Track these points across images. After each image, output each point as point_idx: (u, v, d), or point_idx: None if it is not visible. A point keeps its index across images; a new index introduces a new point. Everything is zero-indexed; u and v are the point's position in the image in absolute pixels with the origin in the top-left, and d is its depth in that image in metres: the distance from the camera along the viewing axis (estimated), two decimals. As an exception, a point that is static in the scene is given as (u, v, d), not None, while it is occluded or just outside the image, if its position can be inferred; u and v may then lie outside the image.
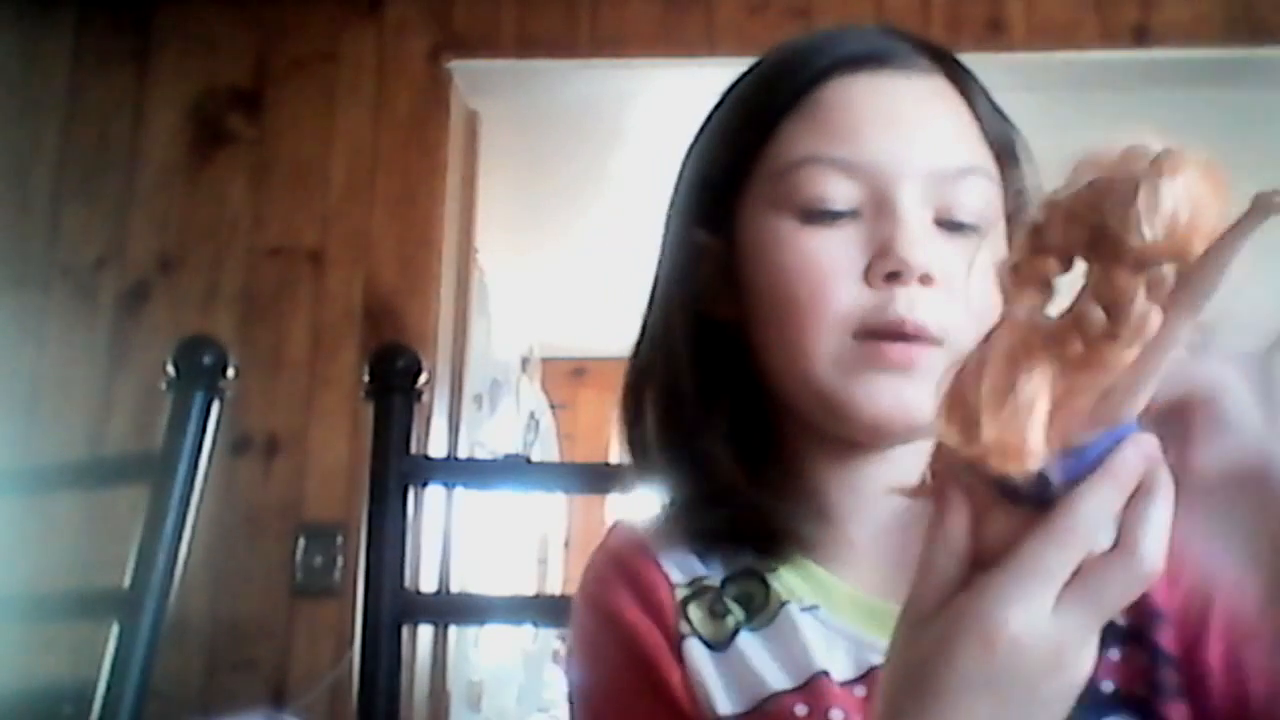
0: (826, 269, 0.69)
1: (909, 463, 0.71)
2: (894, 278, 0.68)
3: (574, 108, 2.90)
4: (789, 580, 0.72)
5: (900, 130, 0.71)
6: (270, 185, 2.45)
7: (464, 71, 2.51)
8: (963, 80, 0.75)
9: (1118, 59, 2.44)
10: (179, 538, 1.14)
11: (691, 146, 0.80)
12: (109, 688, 1.09)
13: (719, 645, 0.70)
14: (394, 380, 1.13)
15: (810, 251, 0.70)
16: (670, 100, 2.83)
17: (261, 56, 2.51)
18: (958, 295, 0.68)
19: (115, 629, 1.12)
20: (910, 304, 0.68)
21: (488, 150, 2.67)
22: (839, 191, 0.70)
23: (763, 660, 0.69)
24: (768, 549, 0.73)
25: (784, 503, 0.73)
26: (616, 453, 0.82)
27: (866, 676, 0.68)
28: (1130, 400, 0.44)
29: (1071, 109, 1.83)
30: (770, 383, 0.74)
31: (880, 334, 0.68)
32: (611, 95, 2.78)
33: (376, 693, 1.05)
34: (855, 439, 0.72)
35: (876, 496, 0.73)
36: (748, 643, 0.70)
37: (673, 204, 0.80)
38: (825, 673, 0.68)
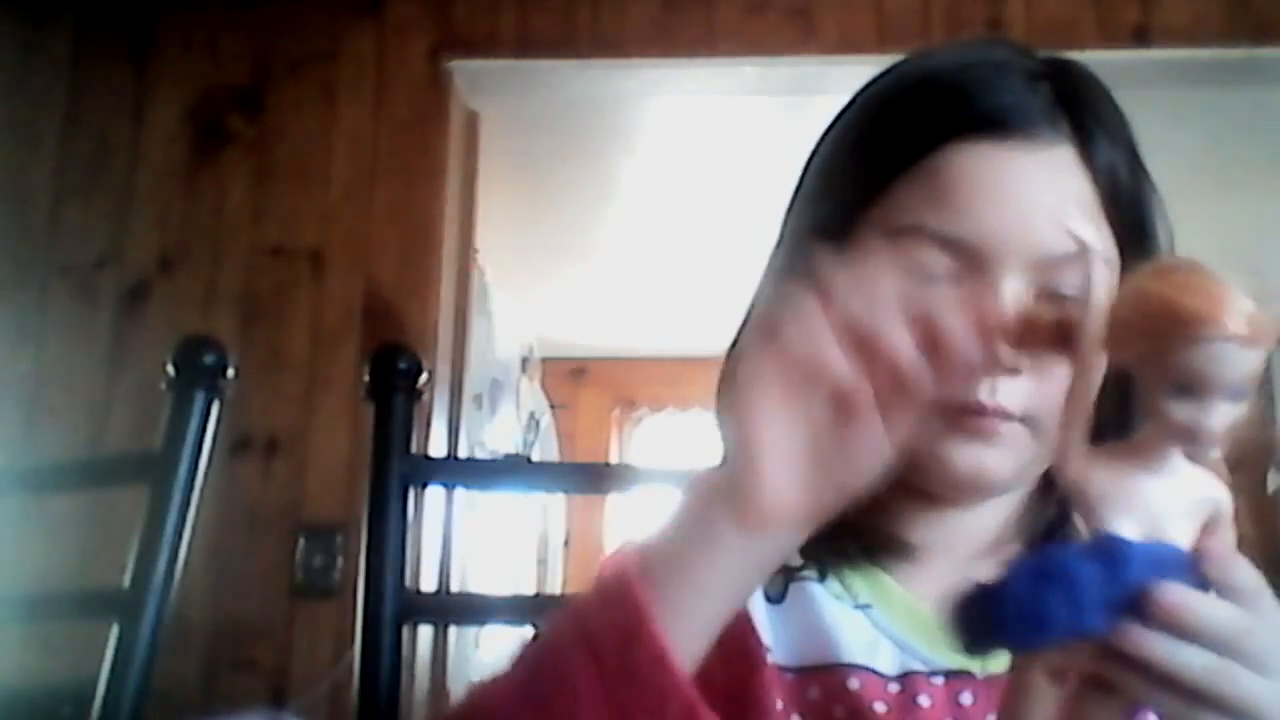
0: None
1: (987, 514, 0.74)
2: None
3: (574, 108, 2.90)
4: (850, 578, 0.74)
5: (1012, 212, 0.69)
6: (270, 185, 2.45)
7: (464, 71, 2.51)
8: (1094, 144, 0.73)
9: (1118, 59, 2.44)
10: (179, 538, 1.14)
11: (812, 157, 0.79)
12: (109, 688, 1.09)
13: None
14: (394, 380, 1.12)
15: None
16: (670, 100, 2.83)
17: (261, 56, 2.50)
18: (1049, 373, 0.67)
19: (115, 629, 1.11)
20: (992, 391, 0.68)
21: (488, 150, 2.67)
22: (939, 261, 0.69)
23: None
24: (834, 563, 0.74)
25: (857, 532, 0.73)
26: (616, 452, 0.82)
27: (905, 678, 0.70)
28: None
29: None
30: None
31: (961, 410, 0.68)
32: (611, 95, 2.78)
33: (376, 693, 1.05)
34: (933, 493, 0.73)
35: (951, 539, 0.75)
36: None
37: (790, 210, 0.79)
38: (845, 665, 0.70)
